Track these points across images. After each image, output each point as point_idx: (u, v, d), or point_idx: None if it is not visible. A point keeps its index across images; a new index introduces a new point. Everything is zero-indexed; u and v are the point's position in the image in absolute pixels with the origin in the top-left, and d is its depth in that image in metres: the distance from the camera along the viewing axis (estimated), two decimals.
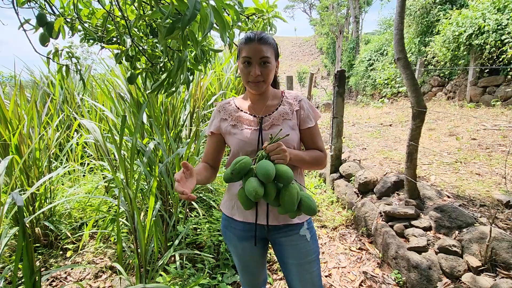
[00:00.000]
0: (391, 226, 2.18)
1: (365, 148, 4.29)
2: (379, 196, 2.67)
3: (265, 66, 1.03)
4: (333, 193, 3.30)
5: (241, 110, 1.14)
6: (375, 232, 2.30)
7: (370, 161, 3.61)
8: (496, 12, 5.59)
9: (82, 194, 3.11)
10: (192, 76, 2.11)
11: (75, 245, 2.58)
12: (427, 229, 2.01)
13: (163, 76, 1.75)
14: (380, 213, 2.38)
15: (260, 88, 1.06)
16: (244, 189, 0.90)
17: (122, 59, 1.82)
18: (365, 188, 2.86)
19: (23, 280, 2.13)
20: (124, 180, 1.79)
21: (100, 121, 3.43)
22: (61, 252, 2.58)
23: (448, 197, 2.31)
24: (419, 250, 1.85)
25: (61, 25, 1.89)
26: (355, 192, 2.94)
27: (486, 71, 5.98)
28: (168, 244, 2.26)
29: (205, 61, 2.17)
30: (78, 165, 3.26)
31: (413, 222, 2.08)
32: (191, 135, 2.99)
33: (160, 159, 2.52)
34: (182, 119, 2.95)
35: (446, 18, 7.08)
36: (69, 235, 2.51)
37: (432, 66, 7.76)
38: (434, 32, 7.80)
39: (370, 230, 2.40)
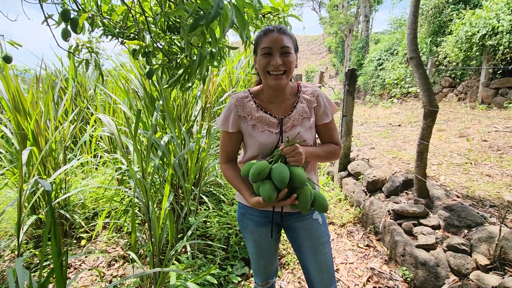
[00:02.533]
0: (400, 224, 2.20)
1: (374, 148, 4.29)
2: (388, 195, 2.68)
3: (286, 56, 1.01)
4: (341, 191, 3.32)
5: (261, 109, 1.11)
6: (383, 230, 2.32)
7: (378, 160, 3.62)
8: (511, 13, 5.50)
9: (95, 185, 3.20)
10: (207, 72, 2.15)
11: (89, 234, 2.67)
12: (435, 227, 2.03)
13: (180, 72, 1.81)
14: (389, 211, 2.40)
15: (281, 81, 1.02)
16: (258, 188, 0.97)
17: (139, 55, 1.87)
18: (374, 187, 2.88)
19: (47, 262, 2.21)
20: (140, 172, 1.85)
21: (113, 115, 3.51)
22: (75, 241, 2.67)
23: (458, 197, 2.32)
24: (428, 247, 1.87)
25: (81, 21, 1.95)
26: (363, 190, 2.96)
27: (499, 72, 5.89)
28: (179, 236, 2.32)
29: (219, 57, 2.22)
30: (91, 157, 3.35)
31: (422, 221, 2.10)
32: (203, 130, 3.05)
33: (173, 152, 2.59)
34: (194, 115, 3.00)
35: (459, 18, 6.99)
36: (83, 224, 2.59)
37: (444, 67, 7.67)
38: (446, 32, 7.70)
39: (377, 228, 2.42)
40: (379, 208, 2.49)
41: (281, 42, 1.00)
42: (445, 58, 7.64)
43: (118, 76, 3.36)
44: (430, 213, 2.18)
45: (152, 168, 1.94)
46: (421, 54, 8.58)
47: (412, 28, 2.01)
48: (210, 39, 1.43)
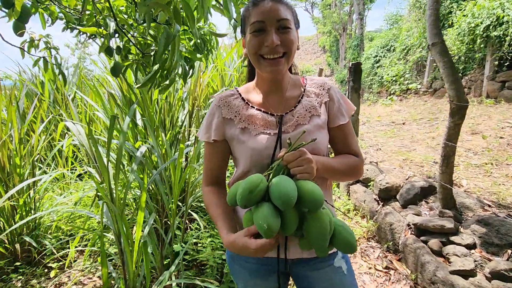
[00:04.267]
0: (425, 242, 1.86)
1: (380, 149, 3.96)
2: (404, 204, 2.35)
3: (285, 32, 0.74)
4: (349, 199, 2.98)
5: (252, 107, 0.83)
6: (404, 247, 1.98)
7: (388, 163, 3.29)
8: None
9: (72, 203, 2.82)
10: (191, 70, 1.80)
11: (62, 262, 2.29)
12: (470, 247, 1.69)
13: (155, 67, 1.45)
14: (409, 225, 2.06)
15: (279, 68, 0.75)
16: (252, 215, 0.66)
17: (113, 52, 1.53)
18: (387, 195, 2.54)
19: None
20: (108, 192, 1.49)
21: (91, 123, 3.14)
22: (46, 270, 2.29)
23: (489, 206, 1.99)
24: (466, 274, 1.53)
25: (40, 12, 1.60)
26: (375, 199, 2.62)
27: (505, 64, 5.61)
28: (165, 263, 1.96)
29: (206, 52, 1.87)
30: (68, 170, 2.98)
31: (452, 238, 1.76)
32: (191, 137, 2.70)
33: (155, 164, 2.23)
34: (181, 119, 2.65)
35: (459, 10, 6.72)
36: (54, 251, 2.21)
37: None
38: (446, 25, 7.44)
39: (397, 245, 2.08)
40: (397, 221, 2.15)
41: (277, 13, 0.73)
42: None
43: (94, 79, 3.00)
44: (460, 227, 1.85)
45: (126, 185, 1.58)
46: (420, 49, 8.32)
47: (433, 8, 1.68)
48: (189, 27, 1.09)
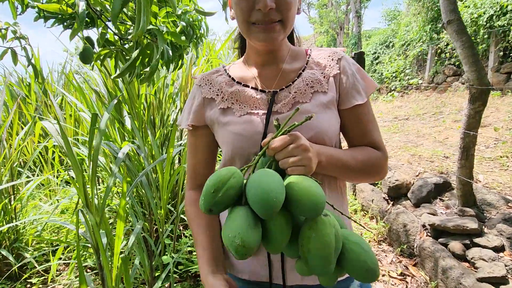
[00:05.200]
0: (444, 244, 1.67)
1: (385, 144, 3.78)
2: (416, 203, 2.15)
3: None
4: (355, 199, 2.78)
5: (239, 83, 0.65)
6: (420, 251, 1.78)
7: (395, 159, 3.10)
8: None
9: (58, 211, 2.64)
10: (181, 60, 1.62)
11: (45, 276, 2.09)
12: (498, 249, 1.50)
13: (134, 54, 1.26)
14: (424, 225, 1.87)
15: (273, 35, 0.58)
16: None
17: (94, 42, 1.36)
18: (397, 193, 2.35)
19: None
20: (83, 199, 1.29)
21: (78, 124, 2.95)
22: (29, 286, 2.09)
23: None
24: (496, 281, 1.34)
25: (10, 1, 1.41)
26: (384, 198, 2.43)
27: (510, 55, 5.43)
28: (157, 275, 1.76)
29: (195, 40, 1.69)
30: (53, 176, 2.78)
31: (476, 240, 1.57)
32: (184, 136, 2.51)
33: (144, 166, 2.04)
34: (173, 118, 2.46)
35: (461, 1, 6.55)
36: (36, 265, 2.01)
37: (446, 55, 7.23)
38: None
39: (412, 248, 1.88)
40: (411, 221, 1.95)
41: None
42: (447, 45, 7.20)
43: (81, 79, 2.82)
44: (484, 227, 1.65)
45: (105, 191, 1.38)
46: (420, 43, 8.15)
47: None
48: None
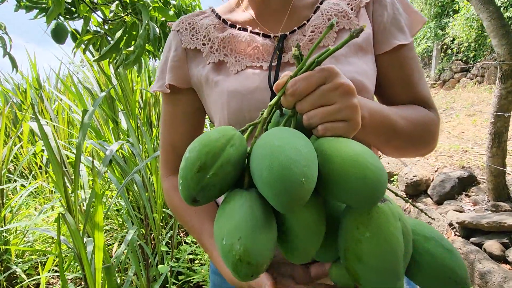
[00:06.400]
0: (478, 245, 1.47)
1: None
2: (439, 200, 1.96)
3: None
4: None
5: (233, 26, 0.49)
6: None
7: None
8: None
9: (52, 220, 2.49)
10: None
11: None
12: None
13: (118, 34, 1.12)
14: (451, 224, 1.67)
15: None
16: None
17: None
18: (416, 190, 2.16)
19: None
20: (65, 203, 1.13)
21: (72, 126, 2.82)
22: None
23: None
24: None
25: None
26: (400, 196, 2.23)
27: None
28: (154, 286, 1.58)
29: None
30: (47, 182, 2.64)
31: None
32: None
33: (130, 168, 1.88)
34: None
35: None
36: (25, 277, 1.85)
37: (453, 50, 7.05)
38: (450, 13, 7.12)
39: None
40: (436, 219, 1.75)
41: None
42: (453, 41, 7.03)
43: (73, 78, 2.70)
44: None
45: (90, 195, 1.22)
46: (425, 40, 7.99)
47: None
48: None
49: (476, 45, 6.20)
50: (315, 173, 0.24)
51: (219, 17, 0.50)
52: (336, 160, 0.25)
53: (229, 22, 0.49)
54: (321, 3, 0.47)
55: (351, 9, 0.45)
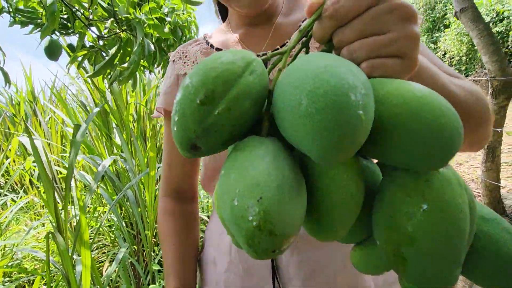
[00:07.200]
0: None
1: None
2: None
3: None
4: None
5: (219, 49, 0.52)
6: None
7: None
8: None
9: (42, 236, 2.42)
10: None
11: None
12: None
13: (112, 50, 1.12)
14: None
15: None
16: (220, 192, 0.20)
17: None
18: None
19: None
20: (54, 221, 1.10)
21: (65, 140, 2.79)
22: None
23: None
24: None
25: None
26: None
27: (511, 60, 5.37)
28: None
29: (184, 41, 1.57)
30: (38, 197, 2.58)
31: None
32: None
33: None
34: None
35: None
36: None
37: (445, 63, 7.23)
38: (441, 27, 7.33)
39: None
40: None
41: None
42: (444, 54, 7.20)
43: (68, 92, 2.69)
44: None
45: (80, 213, 1.19)
46: None
47: None
48: None
49: (467, 59, 6.35)
50: (373, 109, 0.17)
51: (208, 43, 0.52)
52: (395, 102, 0.18)
53: (215, 46, 0.51)
54: (304, 21, 0.47)
55: None
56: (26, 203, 2.64)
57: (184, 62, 0.52)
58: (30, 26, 1.32)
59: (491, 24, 5.43)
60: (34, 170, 2.66)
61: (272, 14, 0.49)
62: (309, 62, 0.18)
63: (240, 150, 0.20)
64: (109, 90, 1.88)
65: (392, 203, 0.20)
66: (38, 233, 2.38)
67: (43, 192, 2.45)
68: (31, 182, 2.71)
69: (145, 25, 1.07)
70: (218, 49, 0.50)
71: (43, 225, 2.48)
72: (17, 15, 1.26)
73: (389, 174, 0.21)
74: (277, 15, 0.49)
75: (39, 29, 1.30)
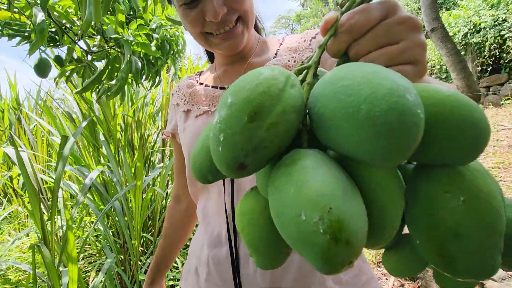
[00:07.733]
0: None
1: None
2: None
3: None
4: None
5: (201, 83, 0.62)
6: (424, 273, 1.64)
7: None
8: (491, 8, 5.34)
9: (27, 246, 2.39)
10: (158, 77, 1.53)
11: None
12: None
13: (101, 66, 1.16)
14: None
15: (237, 39, 0.52)
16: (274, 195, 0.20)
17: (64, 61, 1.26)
18: None
19: None
20: (40, 232, 1.12)
21: (51, 149, 2.77)
22: None
23: None
24: None
25: None
26: None
27: (488, 70, 5.63)
28: None
29: (172, 56, 1.62)
30: (22, 207, 2.55)
31: None
32: (166, 158, 2.36)
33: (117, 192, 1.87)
34: (154, 138, 2.33)
35: None
36: None
37: (434, 71, 7.48)
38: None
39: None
40: None
41: None
42: (429, 65, 7.46)
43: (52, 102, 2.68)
44: None
45: (66, 224, 1.21)
46: None
47: None
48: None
49: (447, 68, 6.63)
50: (421, 109, 0.17)
51: (197, 80, 0.64)
52: (430, 102, 0.19)
53: (199, 81, 0.62)
54: (274, 58, 0.54)
55: (294, 61, 0.51)
56: (9, 212, 2.60)
57: (178, 95, 0.63)
58: (18, 38, 1.34)
59: (468, 35, 5.69)
60: (18, 179, 2.63)
61: (246, 55, 0.58)
62: (352, 70, 0.18)
63: (290, 164, 0.19)
64: (96, 102, 1.90)
65: (430, 201, 0.19)
66: (22, 243, 2.35)
67: (28, 203, 2.43)
68: (15, 192, 2.67)
69: (133, 43, 1.12)
70: (201, 83, 0.61)
71: (28, 235, 2.45)
72: (5, 27, 1.28)
73: (418, 172, 0.21)
74: (250, 55, 0.57)
75: (26, 41, 1.32)
